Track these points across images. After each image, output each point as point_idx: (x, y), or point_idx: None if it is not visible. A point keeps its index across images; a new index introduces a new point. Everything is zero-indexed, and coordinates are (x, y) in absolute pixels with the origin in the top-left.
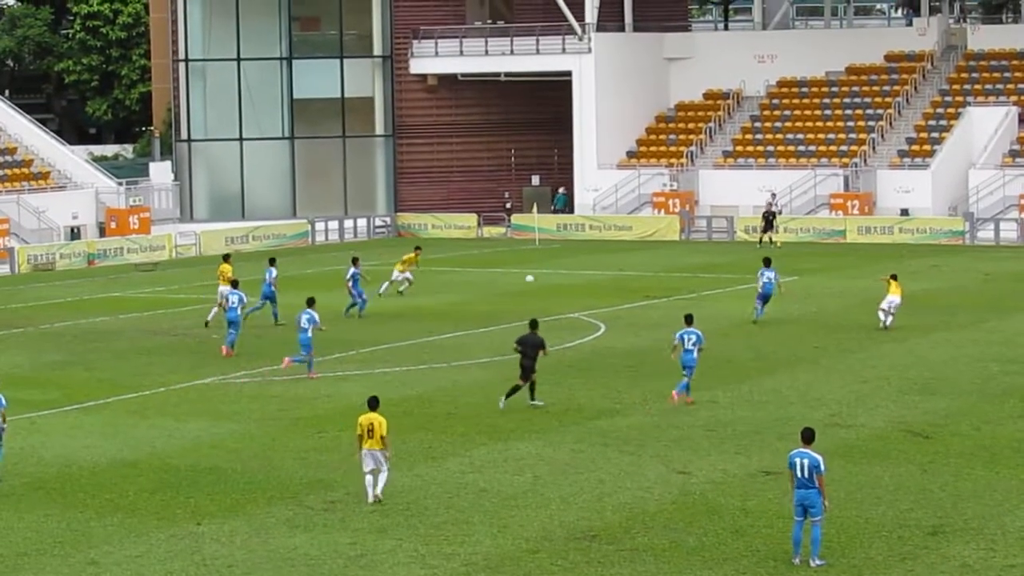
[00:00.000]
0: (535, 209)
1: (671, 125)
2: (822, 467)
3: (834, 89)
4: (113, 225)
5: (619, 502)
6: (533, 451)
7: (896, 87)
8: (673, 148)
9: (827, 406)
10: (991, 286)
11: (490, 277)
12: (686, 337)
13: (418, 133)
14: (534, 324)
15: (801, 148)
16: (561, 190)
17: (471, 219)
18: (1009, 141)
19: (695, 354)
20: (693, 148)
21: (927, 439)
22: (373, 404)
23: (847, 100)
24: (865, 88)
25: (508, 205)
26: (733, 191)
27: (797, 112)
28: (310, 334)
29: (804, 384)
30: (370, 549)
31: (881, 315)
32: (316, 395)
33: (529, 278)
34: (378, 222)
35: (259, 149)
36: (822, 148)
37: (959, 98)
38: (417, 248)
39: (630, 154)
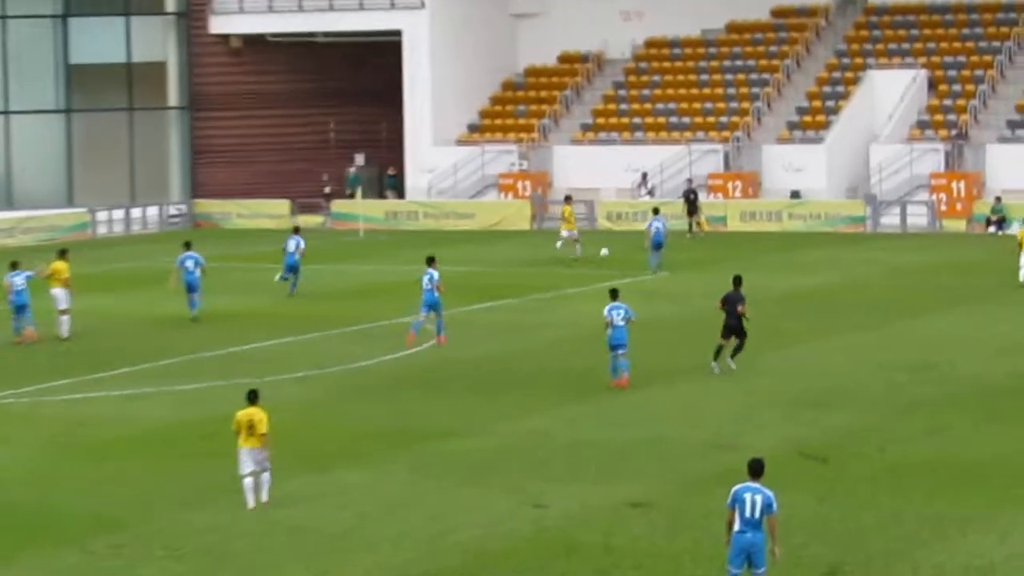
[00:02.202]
0: (359, 194)
1: (520, 94)
2: (775, 506)
3: (712, 50)
4: None
5: (460, 542)
6: (359, 482)
7: (785, 47)
8: (523, 121)
9: (708, 424)
10: (898, 281)
11: (307, 275)
12: (615, 312)
13: (219, 105)
14: (738, 280)
15: (674, 120)
16: (390, 171)
17: (283, 207)
18: (917, 110)
19: (625, 330)
20: (546, 121)
21: (824, 462)
22: (252, 398)
23: (727, 63)
24: (748, 49)
25: (327, 190)
26: (594, 171)
27: (669, 78)
28: (436, 294)
29: (681, 398)
30: None
31: None
32: (100, 417)
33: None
34: (172, 211)
35: (28, 125)
36: (698, 120)
37: (859, 60)
38: (567, 198)
39: (472, 128)
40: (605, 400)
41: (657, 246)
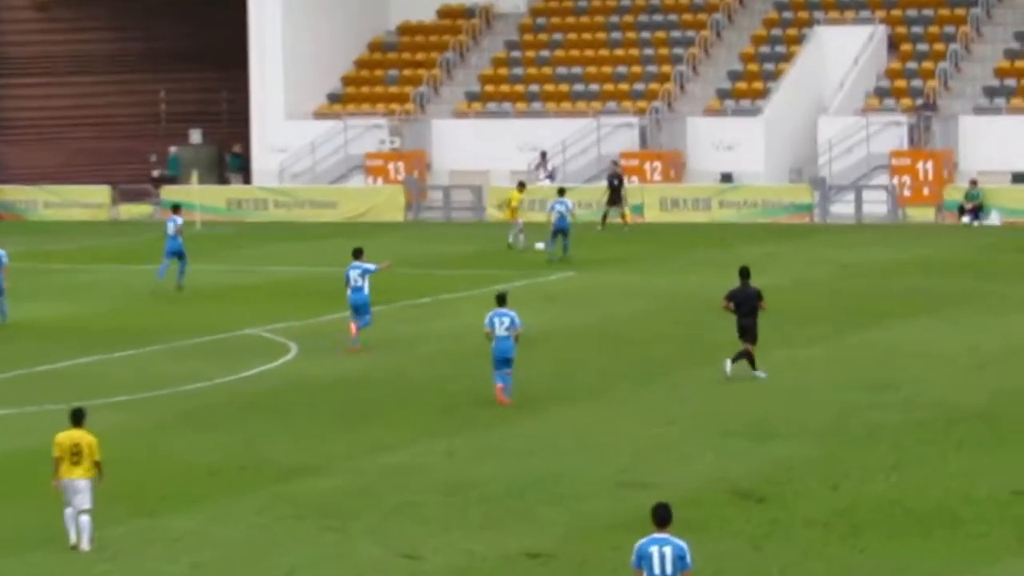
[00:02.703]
0: (195, 178)
1: (391, 56)
2: (688, 559)
3: (625, 3)
4: None
5: None
6: (194, 528)
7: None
8: (394, 90)
9: (616, 457)
10: (851, 283)
11: (130, 278)
12: (498, 320)
13: (23, 70)
14: (746, 273)
15: (579, 88)
16: (234, 150)
17: (102, 193)
18: (875, 75)
19: (512, 341)
20: (423, 89)
21: (761, 502)
22: (77, 418)
23: (644, 18)
24: (670, 2)
25: (156, 173)
26: (482, 151)
27: (572, 36)
28: (367, 290)
29: (583, 426)
30: None
31: None
32: None
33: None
34: None
35: None
36: (609, 88)
37: (803, 14)
38: (521, 184)
39: (332, 99)
40: (491, 428)
41: (559, 232)
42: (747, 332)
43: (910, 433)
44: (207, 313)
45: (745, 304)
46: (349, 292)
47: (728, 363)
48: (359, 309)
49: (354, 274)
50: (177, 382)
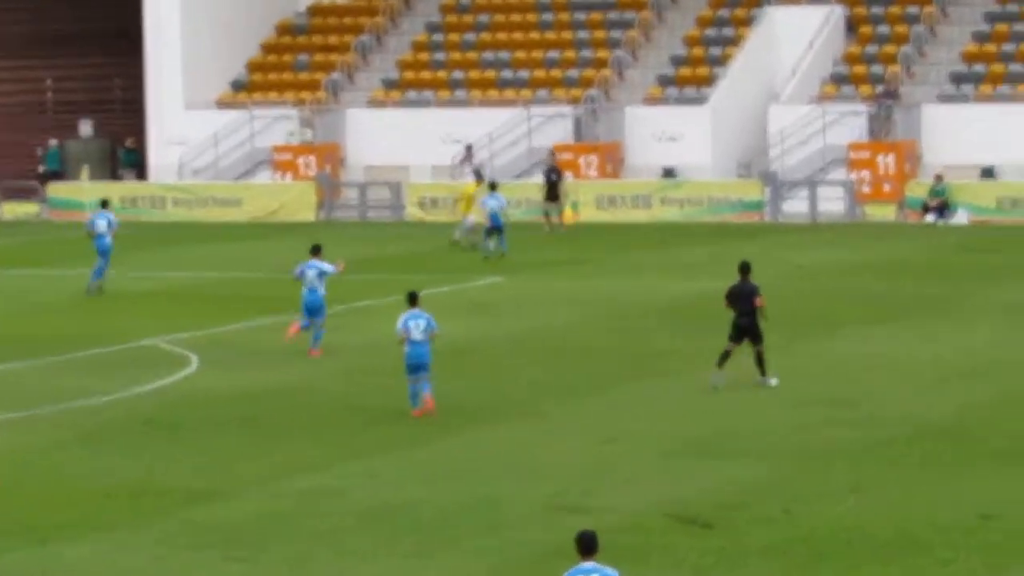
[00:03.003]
0: (85, 174)
1: (301, 40)
2: None
3: None
4: None
5: None
6: (90, 556)
7: None
8: (305, 76)
9: (551, 479)
10: (805, 288)
11: (16, 284)
12: (412, 323)
13: None
14: (746, 268)
15: (507, 75)
16: (128, 143)
17: None
18: (831, 60)
19: (428, 345)
20: (336, 76)
21: (708, 528)
22: None
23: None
24: None
25: (42, 168)
26: (401, 144)
27: (500, 18)
28: (322, 291)
29: (515, 445)
30: None
31: None
32: None
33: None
34: None
35: None
36: (540, 75)
37: None
38: (478, 175)
39: (237, 86)
40: (415, 448)
41: (494, 231)
42: (746, 333)
43: (870, 452)
44: (100, 323)
45: (743, 303)
46: (304, 292)
47: (715, 373)
48: (313, 312)
49: (311, 273)
50: (68, 398)
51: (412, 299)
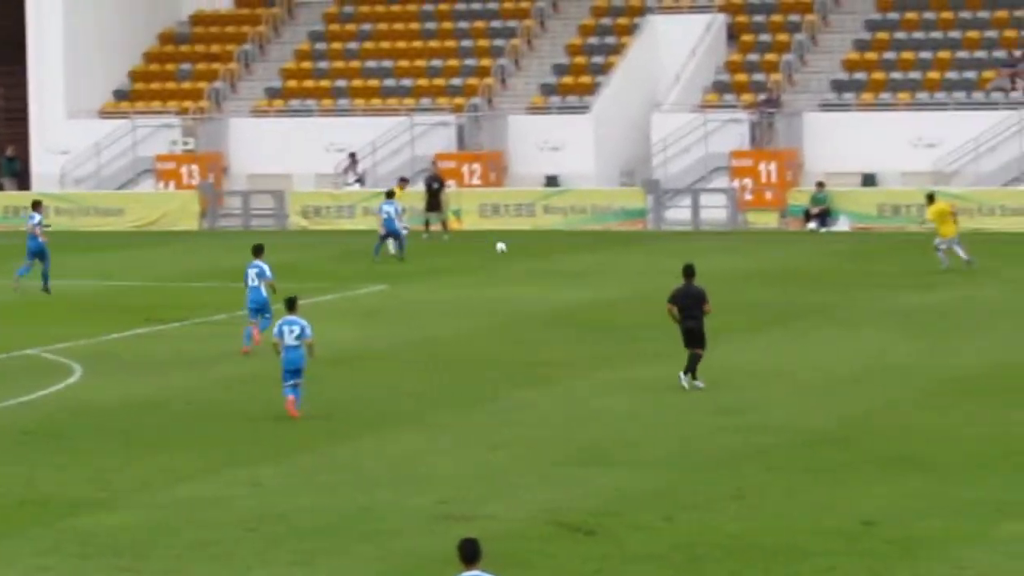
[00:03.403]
0: None
1: (184, 49)
2: None
3: None
4: None
5: None
6: None
7: None
8: (188, 85)
9: (435, 488)
10: None
11: None
12: (287, 329)
13: None
14: (690, 271)
15: (390, 84)
16: (8, 152)
17: None
18: (713, 68)
19: (302, 350)
20: (219, 85)
21: (591, 536)
22: None
23: (461, 7)
24: None
25: None
26: (284, 152)
27: (383, 27)
28: (264, 291)
29: (399, 453)
30: None
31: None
32: None
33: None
34: None
35: None
36: (423, 83)
37: (635, 2)
38: (403, 180)
39: (119, 95)
40: (299, 456)
41: (389, 235)
42: (693, 336)
43: (754, 460)
44: None
45: (690, 306)
46: (247, 291)
47: (682, 376)
48: (257, 310)
49: (252, 272)
50: None
51: (290, 305)
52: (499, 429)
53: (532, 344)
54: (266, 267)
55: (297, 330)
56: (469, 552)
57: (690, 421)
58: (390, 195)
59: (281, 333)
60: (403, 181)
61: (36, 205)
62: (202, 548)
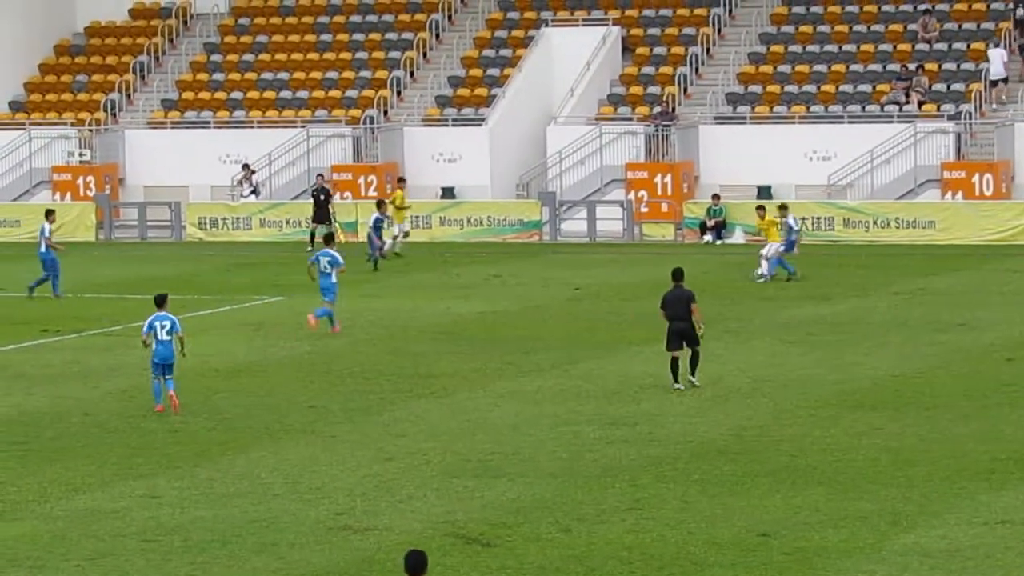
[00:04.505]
0: None
1: (80, 60)
2: None
3: (335, 2)
4: None
5: None
6: None
7: None
8: (84, 97)
9: (331, 498)
10: (584, 307)
11: None
12: (159, 324)
13: None
14: (678, 274)
15: (286, 96)
16: None
17: None
18: (608, 80)
19: (172, 346)
20: (115, 96)
21: (488, 547)
22: None
23: (356, 20)
24: (384, 1)
25: None
26: (179, 164)
27: (278, 39)
28: (334, 278)
29: (295, 465)
30: None
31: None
32: None
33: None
34: None
35: None
36: (318, 95)
37: (530, 15)
38: (401, 180)
39: (14, 107)
40: (195, 469)
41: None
42: (683, 338)
43: (648, 471)
44: None
45: (679, 309)
46: (319, 278)
47: (674, 384)
48: (326, 294)
49: (324, 260)
50: None
51: (159, 302)
52: (393, 440)
53: (425, 356)
54: (338, 255)
55: (168, 324)
56: (416, 564)
57: (584, 432)
58: (379, 205)
59: (152, 328)
60: (401, 181)
61: (49, 214)
62: (99, 560)
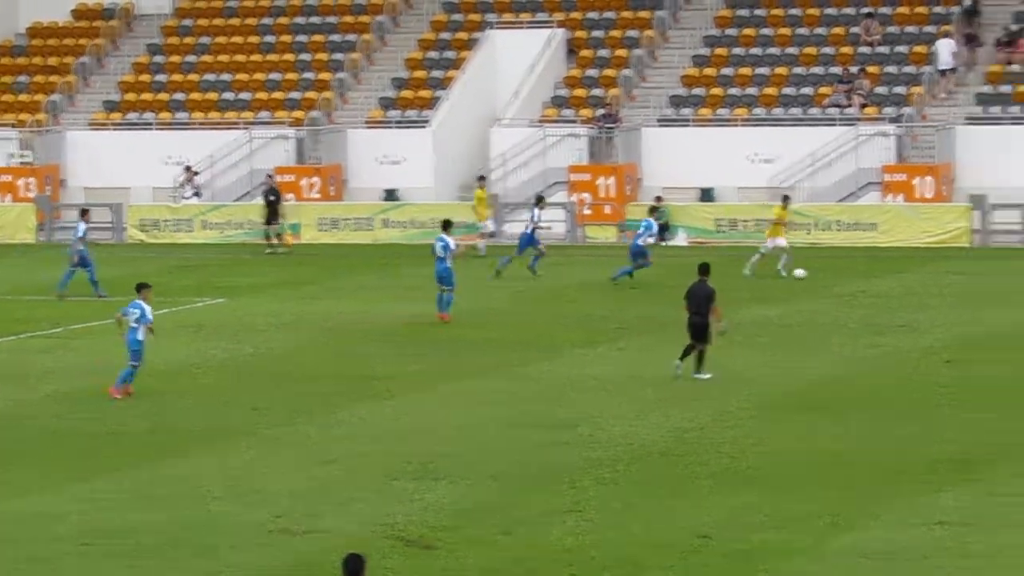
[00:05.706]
0: None
1: (21, 61)
2: None
3: (279, 3)
4: None
5: None
6: None
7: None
8: (25, 98)
9: (270, 502)
10: (526, 309)
11: None
12: (131, 311)
13: None
14: (704, 269)
15: (228, 97)
16: None
17: None
18: (553, 82)
19: (136, 334)
20: (56, 98)
21: (429, 550)
22: None
23: (300, 21)
24: (328, 2)
25: None
26: (121, 165)
27: (221, 40)
28: (448, 263)
29: (235, 467)
30: None
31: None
32: None
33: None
34: None
35: None
36: (261, 96)
37: (474, 16)
38: (481, 178)
39: None
40: (136, 472)
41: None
42: (698, 331)
43: (588, 473)
44: None
45: (698, 302)
46: (435, 263)
47: (678, 362)
48: (441, 279)
49: (439, 246)
50: None
51: (137, 289)
52: (333, 443)
53: (366, 358)
54: (451, 241)
55: (137, 313)
56: (353, 567)
57: (524, 435)
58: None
59: (127, 313)
60: (481, 179)
61: (84, 213)
62: (37, 563)
